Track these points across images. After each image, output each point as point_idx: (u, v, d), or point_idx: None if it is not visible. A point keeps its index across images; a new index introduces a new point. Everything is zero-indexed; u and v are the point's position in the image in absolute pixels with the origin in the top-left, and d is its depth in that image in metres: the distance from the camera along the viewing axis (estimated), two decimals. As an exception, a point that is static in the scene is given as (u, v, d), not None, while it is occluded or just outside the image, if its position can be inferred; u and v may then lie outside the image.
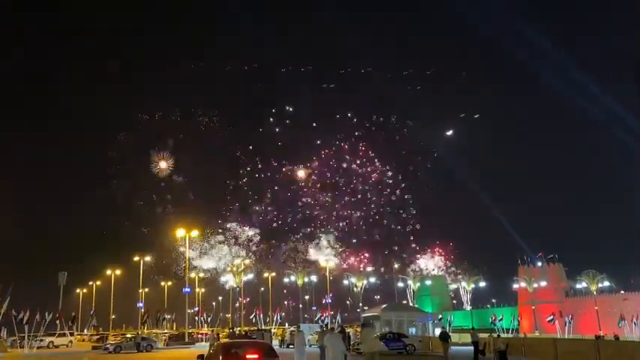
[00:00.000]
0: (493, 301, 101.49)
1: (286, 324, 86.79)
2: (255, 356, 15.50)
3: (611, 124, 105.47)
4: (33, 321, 49.14)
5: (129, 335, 57.45)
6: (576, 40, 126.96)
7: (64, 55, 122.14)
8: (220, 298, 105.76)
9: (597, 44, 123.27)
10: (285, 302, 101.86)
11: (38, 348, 51.19)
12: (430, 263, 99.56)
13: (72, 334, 62.48)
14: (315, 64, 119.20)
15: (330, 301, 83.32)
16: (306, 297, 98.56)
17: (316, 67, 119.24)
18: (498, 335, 38.35)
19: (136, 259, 79.90)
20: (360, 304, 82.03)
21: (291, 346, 44.07)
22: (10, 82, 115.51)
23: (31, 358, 37.57)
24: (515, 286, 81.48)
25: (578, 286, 75.86)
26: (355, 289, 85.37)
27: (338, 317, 74.45)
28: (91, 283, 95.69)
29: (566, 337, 56.07)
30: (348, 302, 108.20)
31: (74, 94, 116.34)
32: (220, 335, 44.16)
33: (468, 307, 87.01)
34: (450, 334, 54.42)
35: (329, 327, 29.27)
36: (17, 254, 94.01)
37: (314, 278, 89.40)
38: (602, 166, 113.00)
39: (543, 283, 77.13)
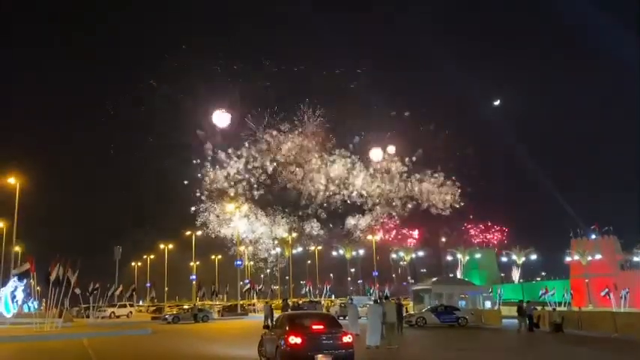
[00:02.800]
0: (543, 274, 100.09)
1: (332, 296, 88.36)
2: (321, 326, 15.96)
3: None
4: (98, 293, 51.84)
5: (186, 306, 59.76)
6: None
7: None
8: (268, 270, 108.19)
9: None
10: (331, 275, 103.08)
11: (102, 318, 54.12)
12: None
13: (132, 305, 65.56)
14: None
15: (377, 273, 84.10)
16: (352, 270, 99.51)
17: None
18: (554, 309, 37.90)
19: (188, 233, 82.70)
20: (409, 277, 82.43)
21: (341, 318, 44.98)
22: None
23: (99, 327, 39.76)
24: (568, 259, 79.80)
25: (636, 258, 73.76)
26: (403, 262, 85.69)
27: (386, 290, 75.15)
28: (145, 256, 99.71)
29: (621, 310, 54.83)
30: (394, 276, 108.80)
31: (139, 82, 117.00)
32: (273, 306, 45.26)
33: (519, 280, 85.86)
34: (501, 307, 54.47)
35: (380, 298, 30.59)
36: (77, 227, 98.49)
37: (361, 252, 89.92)
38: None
39: (597, 256, 75.25)
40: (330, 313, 31.32)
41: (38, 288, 51.70)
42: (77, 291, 45.72)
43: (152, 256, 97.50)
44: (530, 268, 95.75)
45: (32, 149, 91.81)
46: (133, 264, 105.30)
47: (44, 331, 32.72)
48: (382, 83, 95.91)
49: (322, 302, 66.85)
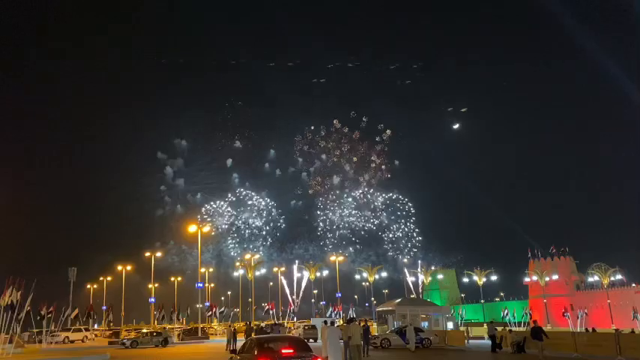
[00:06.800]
0: (501, 294, 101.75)
1: (294, 318, 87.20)
2: (291, 351, 15.61)
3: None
4: (51, 317, 49.64)
5: (144, 330, 57.88)
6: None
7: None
8: (229, 292, 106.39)
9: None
10: (292, 297, 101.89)
11: (56, 343, 51.76)
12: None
13: (87, 330, 63.10)
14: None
15: (340, 295, 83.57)
16: (315, 291, 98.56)
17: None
18: (510, 330, 38.65)
19: (147, 254, 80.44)
20: (372, 299, 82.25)
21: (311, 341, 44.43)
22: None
23: (53, 353, 37.90)
24: (527, 279, 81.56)
25: (590, 279, 75.87)
26: (365, 283, 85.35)
27: (351, 311, 74.72)
28: (101, 278, 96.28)
29: (578, 330, 56.20)
30: (356, 297, 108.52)
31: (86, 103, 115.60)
32: (236, 329, 44.30)
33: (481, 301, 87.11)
34: (462, 327, 54.90)
35: (350, 321, 30.53)
36: (28, 249, 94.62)
37: (325, 272, 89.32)
38: (611, 158, 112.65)
39: (554, 277, 77.21)
40: (300, 337, 30.86)
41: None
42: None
43: (109, 278, 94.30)
44: (490, 288, 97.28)
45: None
46: (88, 286, 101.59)
47: (-6, 359, 31.03)
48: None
49: (285, 324, 66.02)
